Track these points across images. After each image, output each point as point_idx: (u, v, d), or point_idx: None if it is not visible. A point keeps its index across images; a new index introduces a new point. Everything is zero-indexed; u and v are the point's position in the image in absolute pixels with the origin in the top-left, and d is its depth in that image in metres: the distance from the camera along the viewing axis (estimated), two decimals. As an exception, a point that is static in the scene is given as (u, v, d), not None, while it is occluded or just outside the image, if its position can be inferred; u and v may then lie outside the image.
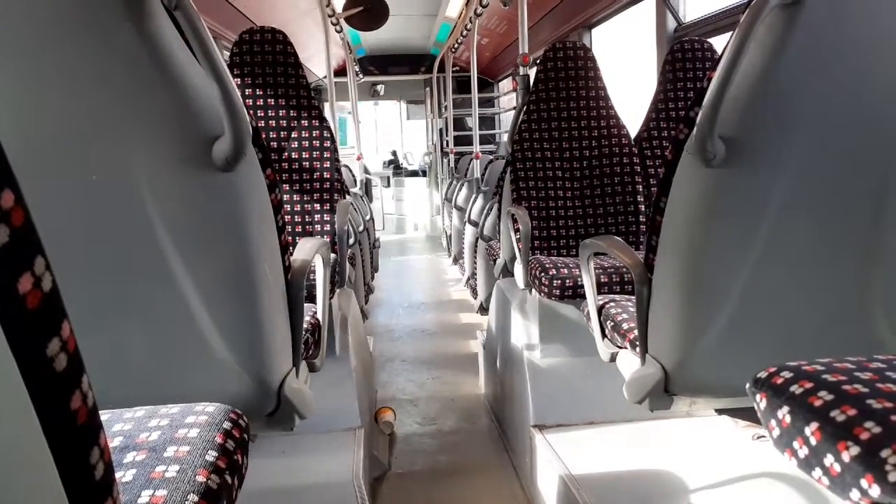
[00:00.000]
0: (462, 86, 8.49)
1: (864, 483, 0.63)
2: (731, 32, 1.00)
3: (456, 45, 6.67)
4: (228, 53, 2.39)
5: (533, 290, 2.21)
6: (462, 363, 3.47)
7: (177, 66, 0.87)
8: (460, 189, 5.63)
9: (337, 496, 1.63)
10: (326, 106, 4.38)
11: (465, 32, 5.76)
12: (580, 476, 1.68)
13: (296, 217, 2.30)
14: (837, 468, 0.66)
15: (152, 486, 0.65)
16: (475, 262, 4.31)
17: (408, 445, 2.52)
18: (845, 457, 0.65)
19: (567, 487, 1.65)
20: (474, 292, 4.48)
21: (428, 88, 9.32)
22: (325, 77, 4.63)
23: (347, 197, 2.67)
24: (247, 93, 2.31)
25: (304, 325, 1.30)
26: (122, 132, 0.90)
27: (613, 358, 1.51)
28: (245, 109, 0.91)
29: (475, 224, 4.33)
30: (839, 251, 1.10)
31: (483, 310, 3.99)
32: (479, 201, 4.45)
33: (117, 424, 0.77)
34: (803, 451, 0.72)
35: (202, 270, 0.97)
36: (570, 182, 2.51)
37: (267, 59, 2.30)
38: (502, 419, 2.58)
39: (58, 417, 0.39)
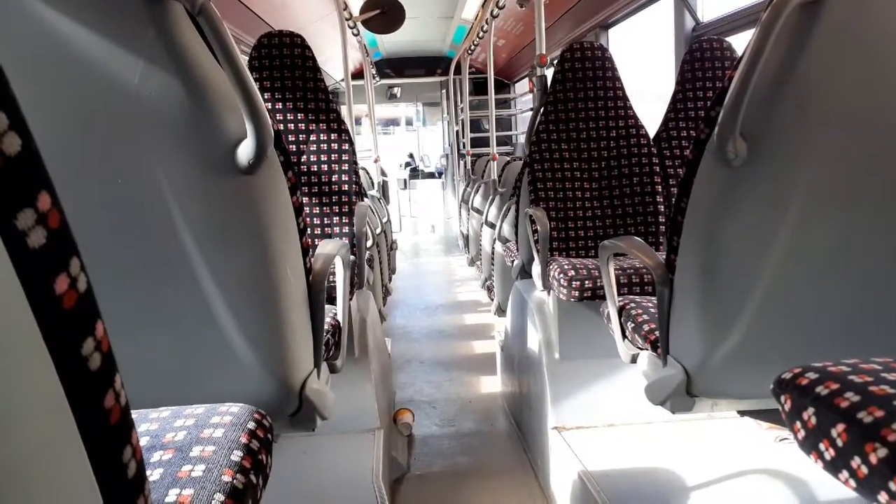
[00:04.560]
0: (478, 87, 8.50)
1: (892, 485, 0.62)
2: (751, 31, 0.99)
3: (472, 47, 6.67)
4: (247, 57, 2.41)
5: (551, 292, 2.20)
6: (479, 365, 3.47)
7: (200, 71, 0.88)
8: (477, 191, 5.63)
9: (357, 497, 1.63)
10: (343, 108, 4.41)
11: (481, 34, 5.76)
12: (600, 478, 1.67)
13: (314, 219, 2.32)
14: (865, 470, 0.66)
15: (179, 486, 0.66)
16: (492, 264, 4.31)
17: (426, 447, 2.52)
18: (873, 459, 0.65)
19: (587, 489, 1.64)
20: (491, 294, 4.48)
21: (444, 90, 9.34)
22: (342, 80, 4.65)
23: (365, 199, 2.68)
24: (265, 96, 2.33)
25: (325, 327, 1.31)
26: (146, 136, 0.91)
27: (634, 359, 1.51)
28: (267, 113, 0.92)
29: (492, 226, 4.33)
30: (863, 250, 1.09)
31: (500, 311, 3.98)
32: (496, 203, 4.45)
33: (144, 424, 0.78)
34: (829, 453, 0.71)
35: (225, 272, 0.98)
36: (589, 183, 2.50)
37: (285, 62, 2.32)
38: (521, 421, 2.57)
39: (92, 416, 0.39)
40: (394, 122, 11.24)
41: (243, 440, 0.73)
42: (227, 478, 0.67)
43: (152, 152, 0.91)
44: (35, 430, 0.35)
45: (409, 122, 11.12)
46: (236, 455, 0.71)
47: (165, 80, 0.87)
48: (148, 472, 0.67)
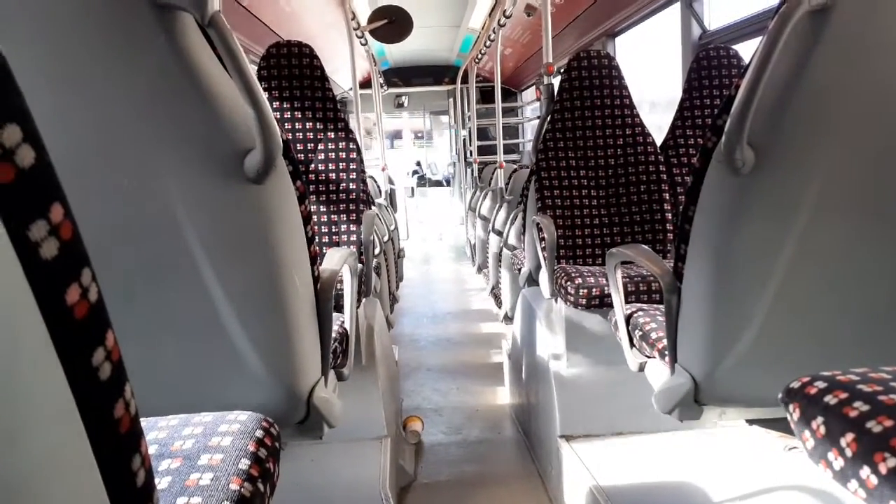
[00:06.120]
0: (486, 96, 8.53)
1: (902, 495, 0.62)
2: (758, 39, 0.99)
3: (479, 56, 6.70)
4: (256, 67, 2.42)
5: (558, 300, 2.20)
6: (487, 373, 3.47)
7: (209, 81, 0.89)
8: (484, 198, 5.64)
9: None
10: (352, 118, 4.43)
11: (488, 43, 5.78)
12: (608, 487, 1.67)
13: (322, 228, 2.33)
14: (874, 480, 0.65)
15: (187, 494, 0.66)
16: (499, 272, 4.30)
17: (433, 455, 2.52)
18: (882, 469, 0.64)
19: (595, 499, 1.63)
20: (499, 301, 4.47)
21: (452, 99, 9.37)
22: (350, 89, 4.68)
23: (373, 207, 2.69)
24: (274, 106, 2.35)
25: (332, 335, 1.31)
26: (156, 145, 0.92)
27: (642, 368, 1.50)
28: (276, 123, 0.93)
29: (499, 233, 4.33)
30: (872, 257, 1.09)
31: (508, 319, 3.98)
32: (504, 210, 4.45)
33: (152, 432, 0.78)
34: (839, 463, 0.70)
35: (233, 281, 0.98)
36: (596, 191, 2.50)
37: (294, 72, 2.34)
38: (528, 429, 2.57)
39: (102, 425, 0.40)
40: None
41: (251, 448, 0.74)
42: (234, 486, 0.67)
43: (162, 161, 0.92)
44: (45, 438, 0.35)
45: (419, 136, 11.28)
46: (244, 463, 0.71)
47: (175, 90, 0.88)
48: (156, 481, 0.68)
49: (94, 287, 0.39)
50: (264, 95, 0.92)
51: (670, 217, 2.43)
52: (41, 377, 0.35)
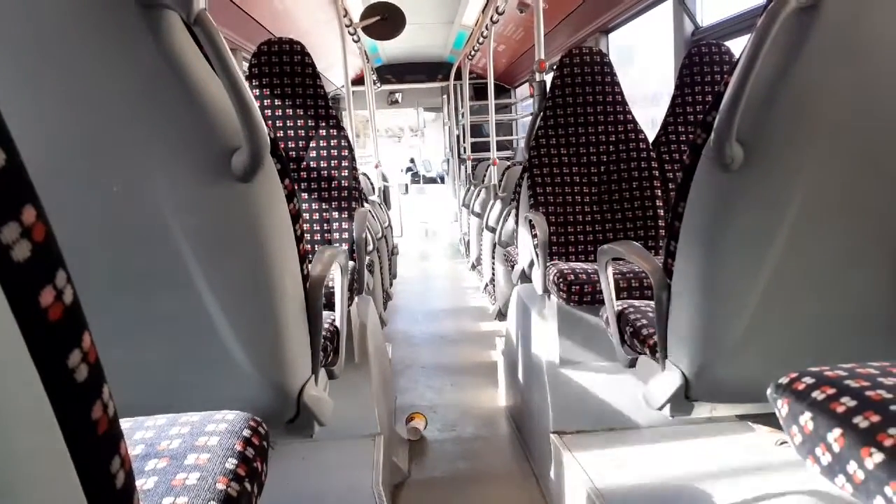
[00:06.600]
0: (479, 92, 8.52)
1: (888, 490, 0.62)
2: (748, 36, 0.99)
3: (472, 53, 6.69)
4: (247, 64, 2.41)
5: (551, 296, 2.20)
6: (481, 370, 3.47)
7: (196, 80, 0.89)
8: (478, 195, 5.64)
9: (358, 503, 1.63)
10: (345, 115, 4.42)
11: (481, 40, 5.78)
12: (601, 483, 1.67)
13: (315, 225, 2.32)
14: (861, 475, 0.65)
15: (173, 494, 0.66)
16: (493, 268, 4.30)
17: (428, 452, 2.52)
18: (869, 464, 0.64)
19: (588, 495, 1.63)
20: (492, 298, 4.48)
21: (445, 96, 9.36)
22: (343, 86, 4.67)
23: (366, 205, 2.69)
24: (265, 103, 2.34)
25: (323, 333, 1.31)
26: (143, 144, 0.91)
27: (633, 364, 1.50)
28: (263, 121, 0.92)
29: (493, 230, 4.33)
30: (861, 253, 1.09)
31: (501, 315, 3.98)
32: (497, 207, 4.45)
33: (139, 432, 0.78)
34: (826, 458, 0.71)
35: (222, 280, 0.98)
36: (588, 187, 2.50)
37: (285, 69, 2.33)
38: (522, 425, 2.57)
39: (79, 427, 0.40)
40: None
41: (238, 448, 0.74)
42: (221, 486, 0.67)
43: (148, 160, 0.91)
44: (21, 442, 0.35)
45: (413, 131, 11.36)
46: (231, 463, 0.71)
47: (161, 89, 0.87)
48: (142, 481, 0.67)
49: (70, 289, 0.38)
50: (251, 93, 0.91)
51: (662, 213, 2.43)
52: (15, 380, 0.35)
